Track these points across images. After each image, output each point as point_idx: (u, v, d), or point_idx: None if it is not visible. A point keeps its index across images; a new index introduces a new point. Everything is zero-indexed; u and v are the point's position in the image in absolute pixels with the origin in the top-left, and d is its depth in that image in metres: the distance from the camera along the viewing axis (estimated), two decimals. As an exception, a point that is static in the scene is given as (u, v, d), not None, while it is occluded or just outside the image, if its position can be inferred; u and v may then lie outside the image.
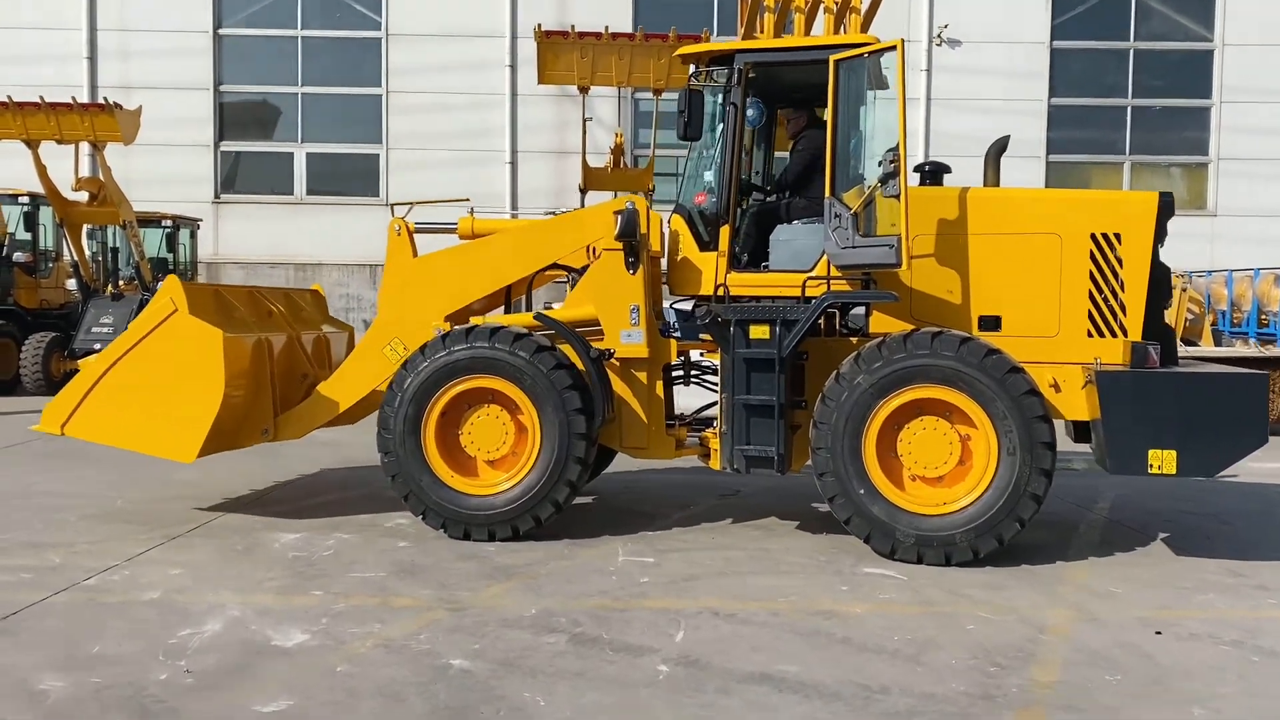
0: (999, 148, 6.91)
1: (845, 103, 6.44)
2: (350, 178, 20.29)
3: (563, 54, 13.43)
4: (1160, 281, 6.37)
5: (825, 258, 6.51)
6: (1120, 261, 6.25)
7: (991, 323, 6.42)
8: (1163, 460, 5.92)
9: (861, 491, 6.05)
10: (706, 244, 6.89)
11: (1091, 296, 6.29)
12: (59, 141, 14.44)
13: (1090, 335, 6.31)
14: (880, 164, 6.27)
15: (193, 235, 17.90)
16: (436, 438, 6.48)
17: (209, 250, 19.51)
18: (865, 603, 5.28)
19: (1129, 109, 19.94)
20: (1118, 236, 6.25)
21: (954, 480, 6.13)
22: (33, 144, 14.49)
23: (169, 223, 16.79)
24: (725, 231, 6.78)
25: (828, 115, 6.43)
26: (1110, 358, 6.19)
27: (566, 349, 6.63)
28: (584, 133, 15.06)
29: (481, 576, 5.72)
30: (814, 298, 6.46)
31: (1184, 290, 14.85)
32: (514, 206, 19.72)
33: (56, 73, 18.91)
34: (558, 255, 7.05)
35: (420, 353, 6.50)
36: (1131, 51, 19.86)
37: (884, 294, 6.41)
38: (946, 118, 19.13)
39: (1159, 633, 4.85)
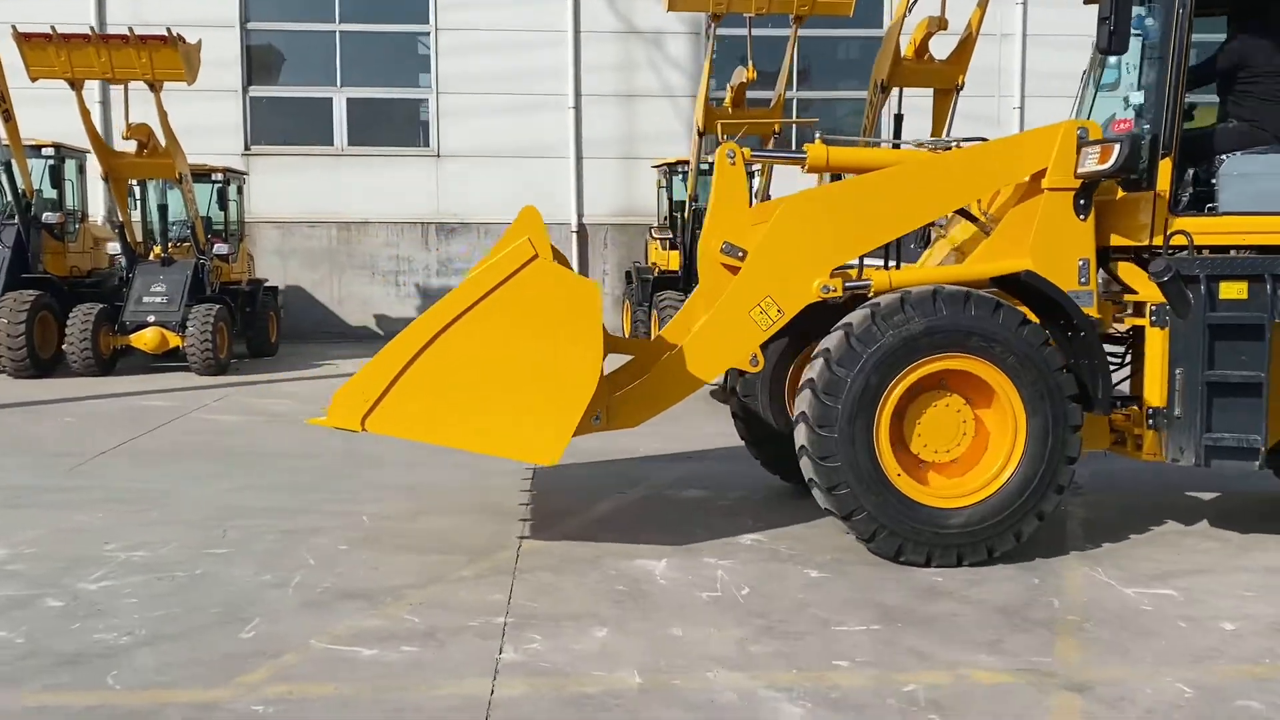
0: None
1: None
2: (395, 126, 18.37)
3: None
4: None
5: None
6: None
7: None
8: None
9: None
10: (1134, 182, 5.55)
11: None
12: (109, 81, 12.43)
13: None
14: None
15: (240, 191, 15.91)
16: (891, 424, 5.06)
17: (240, 208, 17.51)
18: None
19: None
20: None
21: None
22: (77, 84, 12.44)
23: (219, 176, 14.79)
24: (1165, 166, 5.41)
25: None
26: None
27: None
28: (707, 69, 13.39)
29: (1037, 644, 4.33)
30: None
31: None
32: (579, 155, 18.06)
33: (57, 7, 16.54)
34: (985, 192, 5.65)
35: (900, 306, 4.99)
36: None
37: None
38: (1041, 57, 17.89)
39: None
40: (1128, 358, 5.91)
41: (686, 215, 14.34)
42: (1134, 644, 4.14)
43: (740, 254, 5.55)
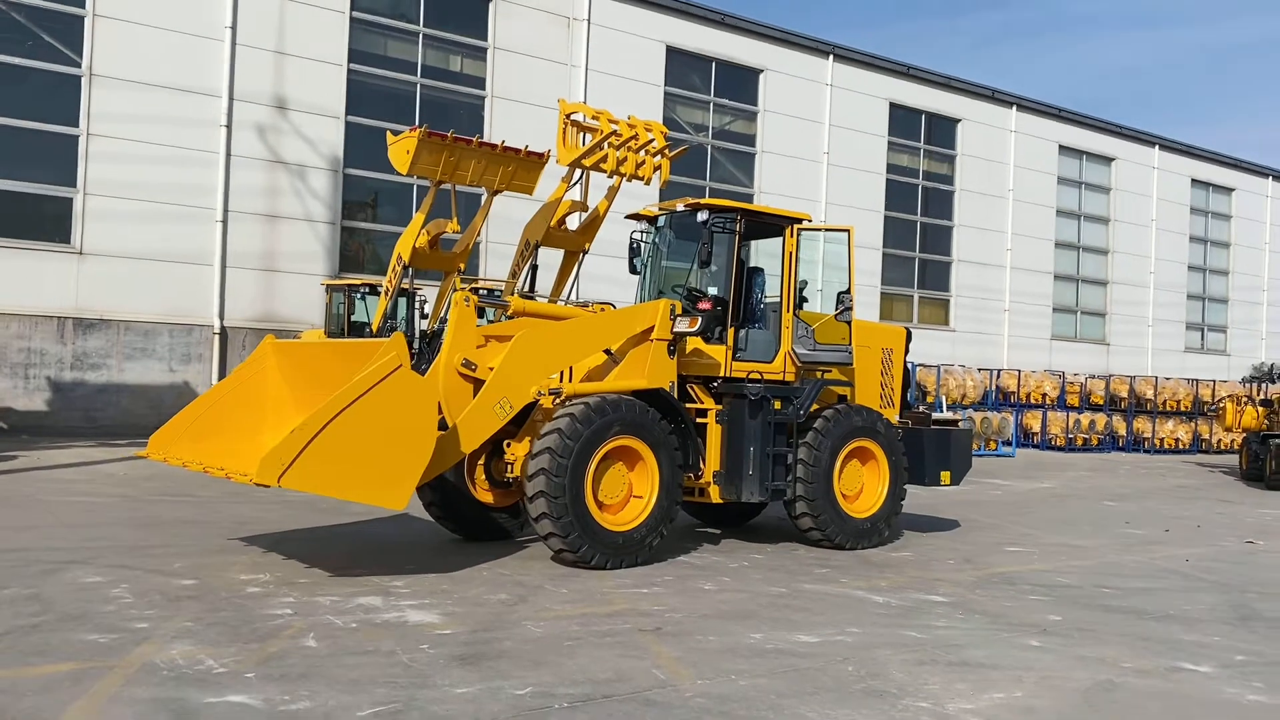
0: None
1: (797, 254, 9.84)
2: (37, 220, 18.33)
3: (434, 151, 15.25)
4: (908, 376, 11.14)
5: (782, 352, 9.69)
6: (892, 364, 10.87)
7: (845, 399, 10.19)
8: (946, 477, 10.59)
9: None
10: (711, 338, 9.45)
11: (882, 384, 10.76)
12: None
13: (880, 406, 10.55)
14: (841, 301, 9.93)
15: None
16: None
17: None
18: (1047, 554, 9.63)
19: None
20: (891, 350, 10.88)
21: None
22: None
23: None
24: (731, 332, 9.44)
25: (786, 262, 9.72)
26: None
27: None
28: (422, 218, 16.51)
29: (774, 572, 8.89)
30: (806, 380, 9.74)
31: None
32: (224, 264, 19.65)
33: None
34: (622, 339, 8.85)
35: (603, 405, 8.10)
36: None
37: (848, 381, 10.21)
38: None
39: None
40: None
41: (374, 330, 17.23)
42: (868, 570, 8.94)
43: (473, 367, 8.26)
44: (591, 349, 8.86)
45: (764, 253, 10.45)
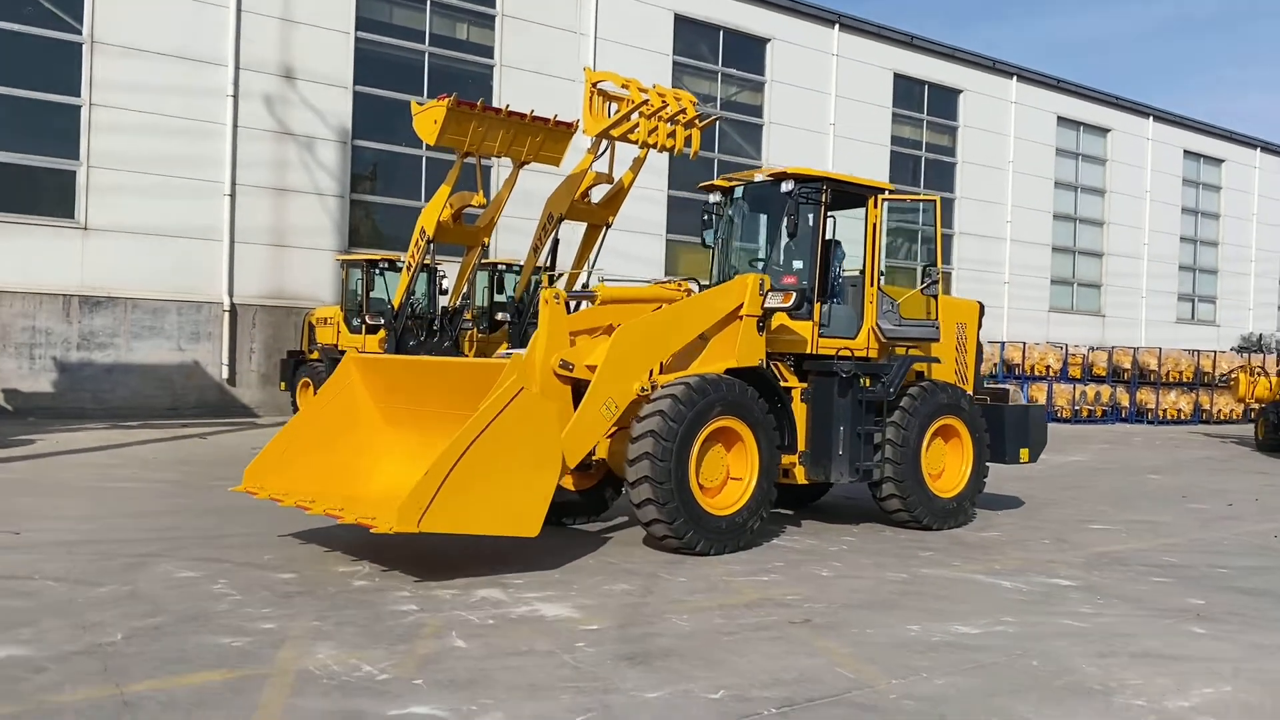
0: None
1: (881, 226, 9.46)
2: (40, 195, 17.59)
3: (463, 121, 14.71)
4: (980, 350, 10.77)
5: (866, 328, 9.29)
6: (966, 339, 10.50)
7: (920, 376, 9.78)
8: (1025, 454, 10.34)
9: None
10: (796, 314, 9.00)
11: (957, 358, 10.40)
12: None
13: (955, 383, 10.12)
14: (927, 274, 9.55)
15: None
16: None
17: None
18: (1139, 532, 9.42)
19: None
20: (965, 324, 10.50)
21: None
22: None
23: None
24: (818, 307, 9.07)
25: (869, 233, 9.31)
26: None
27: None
28: (447, 190, 15.98)
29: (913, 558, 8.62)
30: (892, 356, 9.46)
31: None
32: (233, 239, 19.02)
33: None
34: (717, 318, 8.43)
35: (703, 385, 7.79)
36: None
37: (934, 358, 9.95)
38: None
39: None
40: None
41: (395, 307, 16.72)
42: (964, 553, 8.68)
43: (570, 367, 7.75)
44: (689, 336, 8.35)
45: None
